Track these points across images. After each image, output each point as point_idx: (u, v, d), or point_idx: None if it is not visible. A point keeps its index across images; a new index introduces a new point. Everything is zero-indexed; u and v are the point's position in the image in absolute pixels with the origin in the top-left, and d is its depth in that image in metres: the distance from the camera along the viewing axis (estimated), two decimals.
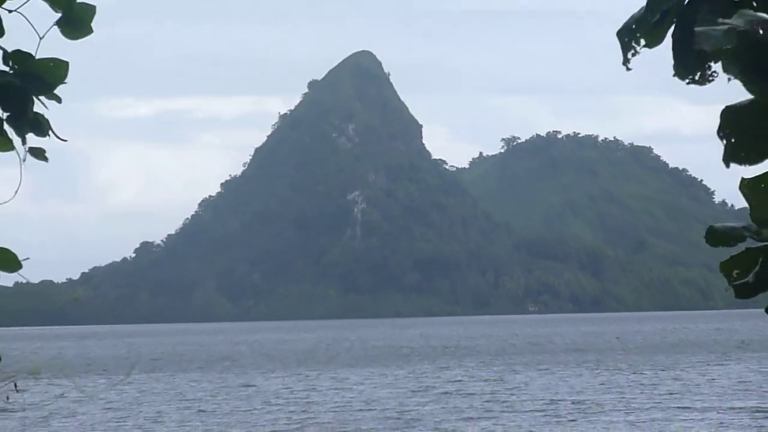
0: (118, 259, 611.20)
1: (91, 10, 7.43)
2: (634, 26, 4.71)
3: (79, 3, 7.44)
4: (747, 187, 4.48)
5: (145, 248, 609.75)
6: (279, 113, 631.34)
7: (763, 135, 4.38)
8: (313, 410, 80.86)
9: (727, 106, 4.31)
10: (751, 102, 4.39)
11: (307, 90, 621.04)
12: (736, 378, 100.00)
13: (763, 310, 4.63)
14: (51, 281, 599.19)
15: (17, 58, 7.44)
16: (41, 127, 7.60)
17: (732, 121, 4.35)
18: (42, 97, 7.57)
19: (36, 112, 7.54)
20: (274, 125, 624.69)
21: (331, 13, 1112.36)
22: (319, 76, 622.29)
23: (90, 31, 7.43)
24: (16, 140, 7.65)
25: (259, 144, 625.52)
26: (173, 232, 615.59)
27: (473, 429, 67.32)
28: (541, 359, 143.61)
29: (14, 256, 8.00)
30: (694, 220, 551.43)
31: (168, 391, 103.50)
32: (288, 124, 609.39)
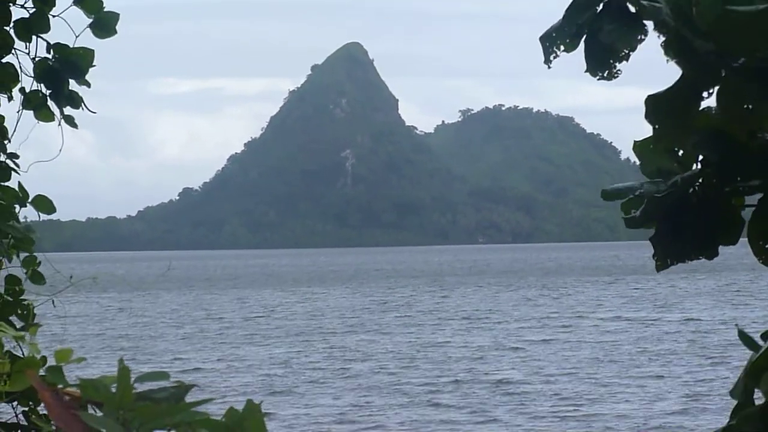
0: (165, 201, 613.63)
1: (115, 16, 7.34)
2: (554, 35, 4.62)
3: (106, 11, 7.21)
4: (638, 147, 4.48)
5: (186, 193, 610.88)
6: (288, 90, 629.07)
7: (681, 121, 4.28)
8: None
9: (649, 95, 4.29)
10: (667, 91, 4.33)
11: (310, 72, 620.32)
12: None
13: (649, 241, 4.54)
14: (114, 217, 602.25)
15: (57, 49, 7.39)
16: (75, 101, 7.50)
17: (653, 109, 4.30)
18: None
19: (71, 90, 7.42)
20: (284, 99, 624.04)
21: (328, 12, 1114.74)
22: (319, 62, 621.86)
23: (114, 32, 7.41)
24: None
25: (273, 113, 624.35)
26: (207, 180, 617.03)
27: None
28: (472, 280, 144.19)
29: (50, 200, 7.79)
30: (604, 173, 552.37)
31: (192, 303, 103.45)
32: (295, 98, 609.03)
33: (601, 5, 4.45)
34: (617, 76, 4.51)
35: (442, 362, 51.09)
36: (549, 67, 4.58)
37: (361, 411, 37.62)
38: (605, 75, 4.56)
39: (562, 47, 4.54)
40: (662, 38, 4.21)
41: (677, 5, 4.04)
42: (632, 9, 4.36)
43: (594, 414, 35.71)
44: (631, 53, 4.45)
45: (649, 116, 4.25)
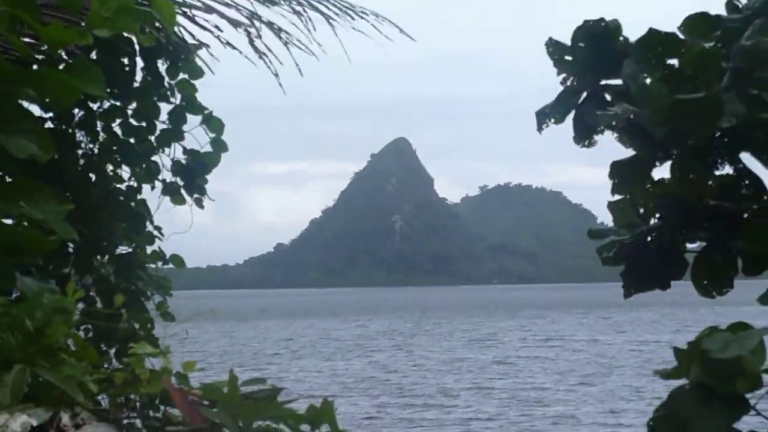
0: (264, 252, 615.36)
1: (224, 144, 7.31)
2: (547, 111, 4.60)
3: (220, 138, 7.26)
4: (611, 206, 4.55)
5: (279, 247, 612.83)
6: (354, 172, 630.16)
7: (636, 181, 4.41)
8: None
9: (613, 161, 4.34)
10: (629, 158, 4.35)
11: (369, 159, 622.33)
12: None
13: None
14: (227, 264, 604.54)
15: (191, 153, 7.37)
16: (202, 191, 7.48)
17: (616, 171, 4.38)
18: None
19: (199, 183, 7.43)
20: (350, 178, 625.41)
21: (383, 113, 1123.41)
22: (376, 151, 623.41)
23: (226, 150, 7.28)
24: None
25: (342, 188, 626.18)
26: (294, 237, 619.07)
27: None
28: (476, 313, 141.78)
29: (182, 258, 7.75)
30: (585, 233, 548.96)
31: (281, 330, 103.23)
32: (359, 178, 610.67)
33: (585, 93, 4.49)
34: (595, 145, 4.54)
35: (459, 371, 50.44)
36: (540, 133, 4.65)
37: (407, 409, 37.22)
38: (587, 144, 4.59)
39: (552, 120, 4.59)
40: (615, 134, 4.30)
41: (639, 96, 4.10)
42: (608, 98, 4.41)
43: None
44: (606, 129, 4.44)
45: (612, 175, 4.33)
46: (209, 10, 6.20)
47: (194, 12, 6.19)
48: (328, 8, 6.47)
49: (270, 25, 6.29)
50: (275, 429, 3.32)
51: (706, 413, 3.50)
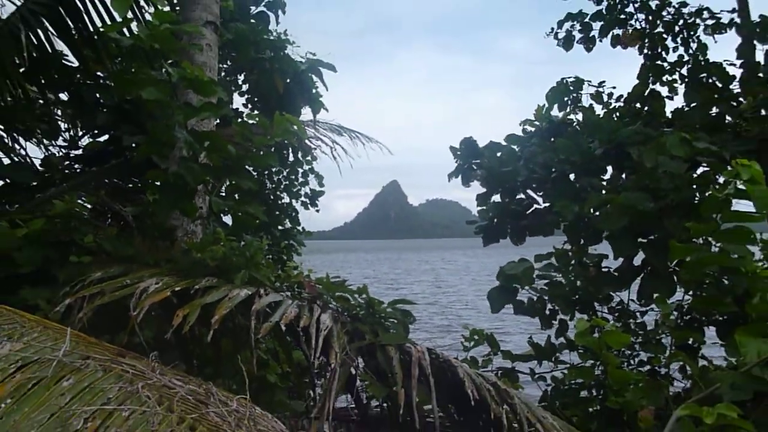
0: (338, 225, 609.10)
1: (323, 183, 6.63)
2: (452, 173, 4.64)
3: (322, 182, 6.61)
4: (480, 211, 4.23)
5: (343, 225, 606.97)
6: (375, 193, 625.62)
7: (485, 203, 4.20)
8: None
9: (477, 194, 4.11)
10: (483, 193, 4.16)
11: (381, 188, 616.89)
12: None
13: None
14: (324, 230, 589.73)
15: (312, 191, 6.83)
16: (317, 206, 7.18)
17: (479, 198, 4.22)
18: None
19: (317, 203, 7.05)
20: (373, 196, 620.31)
21: (388, 172, 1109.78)
22: (385, 184, 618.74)
23: (323, 185, 6.78)
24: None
25: (370, 200, 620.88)
26: (351, 219, 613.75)
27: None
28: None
29: (311, 232, 7.20)
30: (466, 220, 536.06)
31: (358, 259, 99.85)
32: (377, 196, 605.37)
33: (465, 165, 4.46)
34: (470, 186, 4.52)
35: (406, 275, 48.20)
36: (449, 181, 4.69)
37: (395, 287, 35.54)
38: (467, 185, 4.59)
39: (455, 176, 4.66)
40: (479, 182, 4.26)
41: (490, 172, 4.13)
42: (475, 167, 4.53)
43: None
44: (474, 180, 4.44)
45: (477, 198, 4.27)
46: (317, 138, 6.56)
47: (311, 138, 6.56)
48: (360, 136, 6.81)
49: (336, 144, 6.60)
50: (343, 296, 3.45)
51: (500, 295, 3.68)
